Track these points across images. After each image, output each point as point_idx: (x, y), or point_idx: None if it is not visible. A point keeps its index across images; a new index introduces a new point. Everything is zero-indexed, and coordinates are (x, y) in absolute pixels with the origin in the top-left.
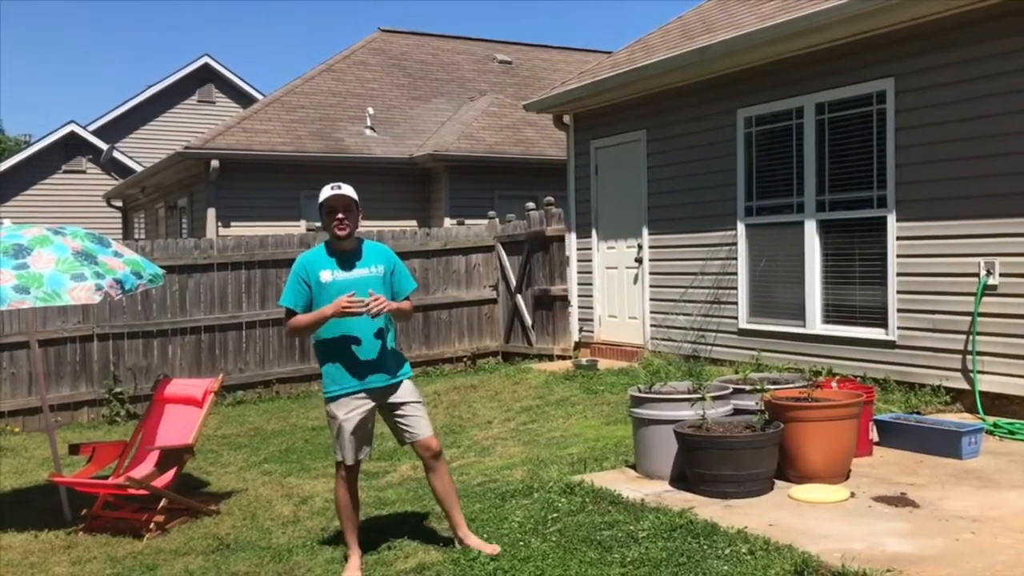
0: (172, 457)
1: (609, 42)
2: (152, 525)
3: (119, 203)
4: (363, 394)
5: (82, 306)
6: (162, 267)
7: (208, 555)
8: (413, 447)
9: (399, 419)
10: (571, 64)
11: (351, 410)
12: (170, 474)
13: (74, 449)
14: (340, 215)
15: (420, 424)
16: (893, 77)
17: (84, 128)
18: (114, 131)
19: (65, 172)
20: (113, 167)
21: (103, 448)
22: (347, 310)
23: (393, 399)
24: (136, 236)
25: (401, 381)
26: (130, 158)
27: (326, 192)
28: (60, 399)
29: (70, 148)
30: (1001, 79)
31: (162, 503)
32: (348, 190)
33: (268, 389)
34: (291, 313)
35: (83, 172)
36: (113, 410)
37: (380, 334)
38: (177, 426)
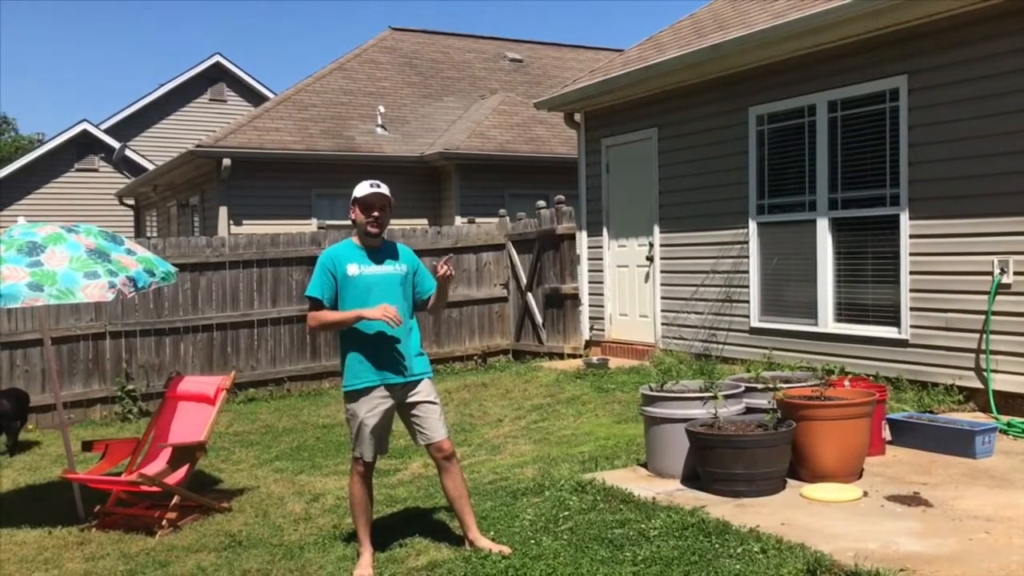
0: (184, 454)
1: (620, 40)
2: (164, 522)
3: (131, 201)
4: (383, 390)
5: (95, 304)
6: (174, 265)
7: (220, 552)
8: (427, 448)
9: (415, 419)
10: (582, 62)
11: (372, 408)
12: (182, 471)
13: (87, 446)
14: (376, 213)
15: (436, 426)
16: (906, 75)
17: (96, 127)
18: (126, 130)
19: (78, 170)
20: (125, 165)
21: (116, 445)
22: (386, 318)
23: (411, 398)
24: (148, 234)
25: (420, 379)
26: (142, 156)
27: (366, 189)
28: (73, 396)
29: (82, 147)
30: (1016, 76)
31: (174, 500)
32: (386, 190)
33: (279, 387)
34: (316, 304)
35: (95, 170)
36: (126, 407)
37: (405, 331)
38: (189, 423)
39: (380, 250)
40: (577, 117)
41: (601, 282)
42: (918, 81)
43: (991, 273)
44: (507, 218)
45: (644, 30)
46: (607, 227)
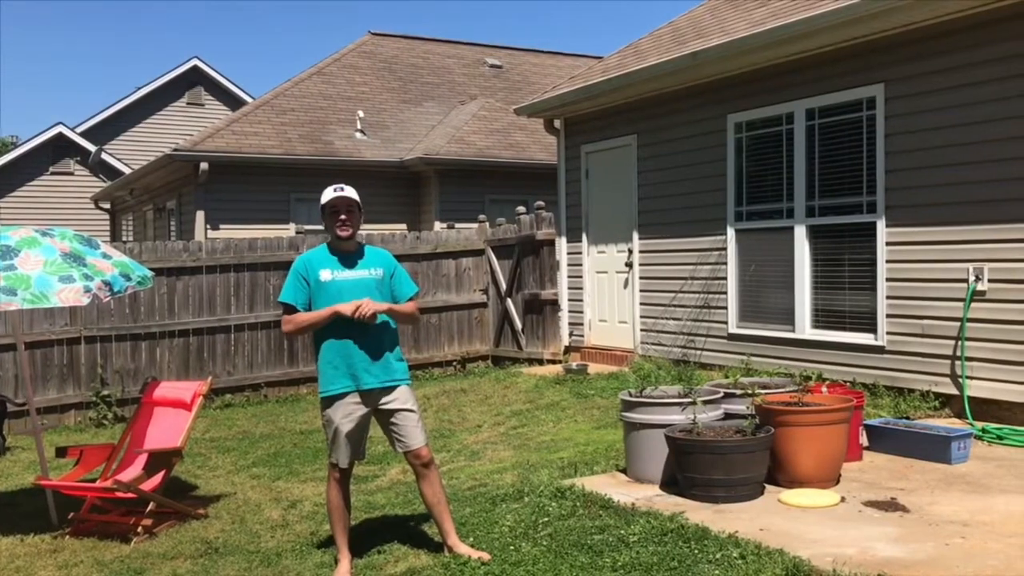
0: (160, 460)
1: (600, 47)
2: (140, 529)
3: (107, 205)
4: (357, 396)
5: (70, 308)
6: (150, 269)
7: (196, 559)
8: (405, 455)
9: (393, 427)
10: (562, 69)
11: (347, 414)
12: (158, 477)
13: (61, 452)
14: (343, 216)
15: (414, 433)
16: (883, 83)
17: (72, 130)
18: (102, 133)
19: (53, 174)
20: (101, 169)
21: (90, 451)
22: (360, 314)
23: (388, 404)
24: (124, 238)
25: (397, 385)
26: (118, 160)
27: (329, 194)
28: (47, 402)
29: (58, 150)
30: (991, 85)
31: (150, 507)
32: (351, 192)
33: (256, 392)
34: (290, 310)
35: (71, 174)
36: (100, 413)
37: (380, 336)
38: (165, 429)
39: (354, 254)
40: (557, 123)
41: (580, 288)
42: (895, 90)
43: (966, 280)
44: (487, 224)
45: (624, 37)
46: (587, 233)
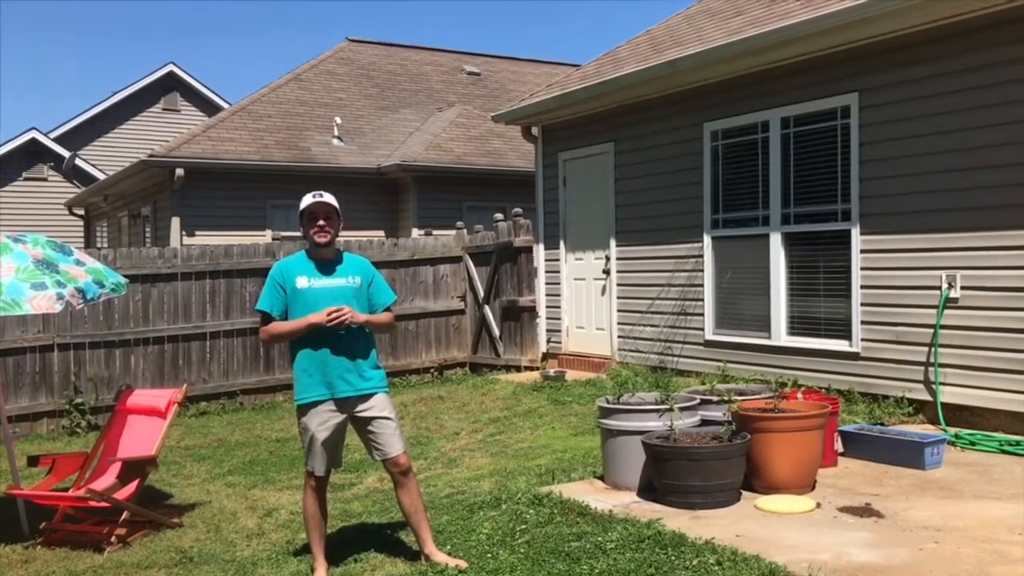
0: (134, 469)
1: (578, 55)
2: (113, 538)
3: (81, 211)
4: (332, 404)
5: (42, 315)
6: (125, 276)
7: (171, 568)
8: (383, 463)
9: (371, 435)
10: (539, 76)
11: (323, 422)
12: (132, 486)
13: (33, 461)
14: (321, 222)
15: (391, 441)
16: (857, 92)
17: (46, 135)
18: (77, 138)
19: (26, 179)
20: (75, 175)
21: (63, 460)
22: (329, 322)
23: (365, 412)
24: (98, 245)
25: (374, 393)
26: (93, 166)
27: (308, 200)
28: (19, 410)
29: (31, 155)
30: (963, 95)
31: (124, 516)
32: (329, 198)
33: (232, 400)
34: (267, 318)
35: (44, 180)
36: (74, 421)
37: (356, 344)
38: (140, 437)
39: (332, 262)
40: (535, 131)
41: (558, 295)
42: (869, 99)
43: (939, 288)
44: (464, 230)
45: (602, 45)
46: (564, 240)
